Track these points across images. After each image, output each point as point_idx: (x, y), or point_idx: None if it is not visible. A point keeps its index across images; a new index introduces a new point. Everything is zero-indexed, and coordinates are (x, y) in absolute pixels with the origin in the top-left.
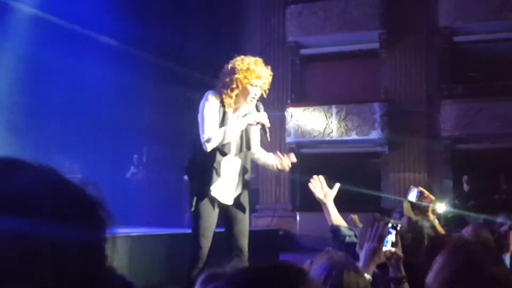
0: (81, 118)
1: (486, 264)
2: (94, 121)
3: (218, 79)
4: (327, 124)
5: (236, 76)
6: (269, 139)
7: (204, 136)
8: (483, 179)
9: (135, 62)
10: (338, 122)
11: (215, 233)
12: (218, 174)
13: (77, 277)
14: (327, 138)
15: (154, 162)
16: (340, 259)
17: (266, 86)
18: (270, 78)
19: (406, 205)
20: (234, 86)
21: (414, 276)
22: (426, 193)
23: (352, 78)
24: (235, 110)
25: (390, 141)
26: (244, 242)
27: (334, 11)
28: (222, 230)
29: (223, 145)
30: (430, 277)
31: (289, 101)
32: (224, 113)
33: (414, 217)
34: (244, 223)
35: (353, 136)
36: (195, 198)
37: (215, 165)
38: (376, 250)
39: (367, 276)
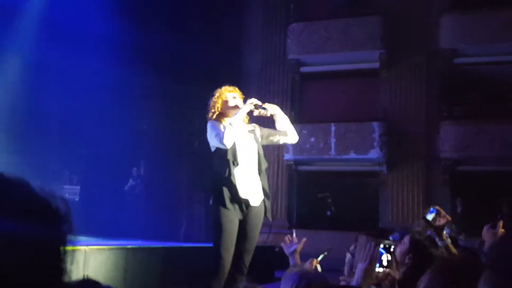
0: (81, 128)
1: (470, 285)
2: (94, 132)
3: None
4: (325, 142)
5: (214, 100)
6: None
7: (217, 138)
8: (480, 202)
9: (137, 71)
10: (337, 140)
11: None
12: (235, 182)
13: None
14: (326, 156)
15: (152, 175)
16: (309, 271)
17: (240, 94)
18: (238, 90)
19: (423, 224)
20: (217, 105)
21: None
22: (443, 212)
23: (352, 97)
24: None
25: (389, 161)
26: (248, 259)
27: (335, 30)
28: None
29: (236, 157)
30: None
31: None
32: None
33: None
34: (253, 241)
35: (352, 154)
36: (220, 209)
37: (233, 176)
38: (368, 270)
39: None
